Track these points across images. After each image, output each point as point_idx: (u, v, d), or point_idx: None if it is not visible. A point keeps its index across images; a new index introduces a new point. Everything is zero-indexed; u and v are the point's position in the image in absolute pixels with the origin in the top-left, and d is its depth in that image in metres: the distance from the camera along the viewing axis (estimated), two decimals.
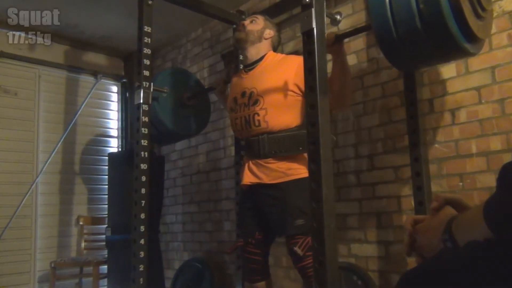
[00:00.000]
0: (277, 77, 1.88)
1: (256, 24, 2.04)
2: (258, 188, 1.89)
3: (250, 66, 2.02)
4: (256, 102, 1.89)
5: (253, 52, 2.01)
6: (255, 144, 1.89)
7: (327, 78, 1.56)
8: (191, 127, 2.74)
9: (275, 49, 2.08)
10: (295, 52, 2.76)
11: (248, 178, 1.90)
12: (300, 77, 1.60)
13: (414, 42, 1.50)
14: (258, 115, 1.87)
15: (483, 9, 1.50)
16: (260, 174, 1.87)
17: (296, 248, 1.72)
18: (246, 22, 2.06)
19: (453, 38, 1.43)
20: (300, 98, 1.83)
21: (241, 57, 2.26)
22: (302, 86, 1.67)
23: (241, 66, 2.16)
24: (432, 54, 1.59)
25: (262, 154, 1.86)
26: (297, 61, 1.84)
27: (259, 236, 1.92)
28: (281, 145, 1.83)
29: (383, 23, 1.53)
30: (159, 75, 2.68)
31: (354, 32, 2.02)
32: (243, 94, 1.96)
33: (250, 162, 1.92)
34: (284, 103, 1.85)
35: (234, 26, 2.87)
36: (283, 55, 2.03)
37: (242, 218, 2.07)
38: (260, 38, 2.02)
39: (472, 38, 1.49)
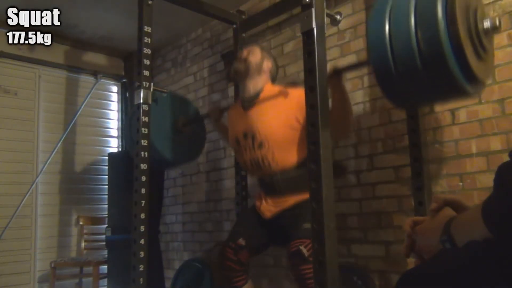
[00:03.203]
0: (277, 115, 1.89)
1: (254, 56, 2.03)
2: (276, 216, 1.95)
3: (249, 101, 2.01)
4: (261, 145, 1.91)
5: (251, 86, 2.01)
6: (270, 183, 1.95)
7: (327, 78, 1.56)
8: (185, 155, 2.71)
9: (273, 80, 2.09)
10: (295, 52, 2.76)
11: (269, 212, 1.96)
12: (301, 110, 1.61)
13: (414, 81, 1.46)
14: (267, 158, 1.91)
15: (484, 49, 1.46)
16: (280, 204, 1.94)
17: (302, 248, 1.71)
18: (244, 54, 2.06)
19: (454, 79, 1.39)
20: (302, 131, 1.83)
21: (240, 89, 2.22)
22: (303, 119, 1.71)
23: (239, 98, 2.14)
24: (431, 94, 1.55)
25: (278, 193, 1.92)
26: (296, 95, 1.84)
27: (242, 243, 1.95)
28: (296, 185, 1.88)
29: (382, 60, 1.48)
30: (155, 101, 2.62)
31: (353, 67, 2.03)
32: (245, 135, 1.97)
33: (268, 198, 1.97)
34: (289, 141, 1.88)
35: (234, 25, 2.87)
36: (281, 87, 2.01)
37: (236, 225, 2.16)
38: (259, 71, 2.01)
39: (473, 79, 1.44)
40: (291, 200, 1.91)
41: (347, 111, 1.85)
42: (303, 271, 1.70)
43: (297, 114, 1.83)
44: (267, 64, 2.06)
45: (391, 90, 1.58)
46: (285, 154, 1.89)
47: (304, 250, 1.71)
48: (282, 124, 1.88)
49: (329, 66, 1.69)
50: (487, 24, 1.44)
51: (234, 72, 2.09)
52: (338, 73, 1.77)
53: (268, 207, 1.97)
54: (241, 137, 2.00)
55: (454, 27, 1.35)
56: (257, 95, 2.00)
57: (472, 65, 1.40)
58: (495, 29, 1.45)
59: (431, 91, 1.51)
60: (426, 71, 1.42)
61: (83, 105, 3.86)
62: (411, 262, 1.95)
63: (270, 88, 2.02)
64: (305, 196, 1.79)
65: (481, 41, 1.44)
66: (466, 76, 1.42)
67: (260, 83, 2.02)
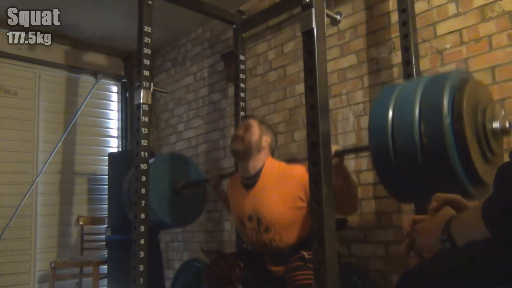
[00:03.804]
0: (281, 197, 1.83)
1: (252, 133, 1.95)
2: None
3: (250, 180, 1.95)
4: (267, 229, 1.87)
5: (251, 165, 1.93)
6: (279, 256, 1.88)
7: (326, 78, 1.56)
8: (182, 218, 2.69)
9: (273, 153, 2.03)
10: (295, 52, 2.76)
11: (279, 273, 1.88)
12: (304, 189, 1.57)
13: (414, 175, 1.39)
14: (274, 240, 1.87)
15: (493, 152, 1.38)
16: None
17: (303, 252, 1.71)
18: (241, 131, 1.98)
19: (457, 179, 1.31)
20: (306, 208, 1.80)
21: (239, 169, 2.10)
22: (306, 196, 1.69)
23: (239, 175, 2.05)
24: (432, 191, 1.45)
25: (286, 262, 1.83)
26: (298, 174, 1.80)
27: (240, 264, 1.93)
28: (303, 247, 1.80)
29: (382, 149, 1.43)
30: (157, 160, 2.64)
31: (353, 150, 2.01)
32: (250, 218, 1.92)
33: (275, 265, 1.91)
34: (294, 221, 1.83)
35: (234, 25, 2.87)
36: (282, 165, 1.94)
37: (243, 251, 2.13)
38: (258, 149, 1.93)
39: (477, 181, 1.34)
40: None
41: (350, 191, 1.79)
42: (300, 277, 1.66)
43: (301, 193, 1.78)
44: (266, 140, 1.97)
45: (389, 181, 1.51)
46: (292, 233, 1.84)
47: (305, 254, 1.70)
48: (287, 206, 1.82)
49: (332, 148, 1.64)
50: (496, 125, 1.36)
51: (232, 153, 2.01)
52: (339, 154, 1.71)
53: (278, 269, 1.91)
54: (246, 220, 1.94)
55: (460, 124, 1.28)
56: (258, 173, 1.93)
57: (477, 167, 1.31)
58: (504, 131, 1.37)
59: (431, 188, 1.38)
60: (427, 166, 1.34)
61: (83, 105, 3.86)
62: (411, 262, 1.95)
63: (271, 165, 1.94)
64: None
65: (489, 142, 1.36)
66: (470, 177, 1.32)
67: (260, 161, 1.94)
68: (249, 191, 1.93)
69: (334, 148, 1.68)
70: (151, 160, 2.39)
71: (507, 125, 1.36)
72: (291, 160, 2.10)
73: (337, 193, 1.68)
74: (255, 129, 1.96)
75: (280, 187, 1.85)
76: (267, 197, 1.87)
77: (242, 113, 2.75)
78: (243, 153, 1.93)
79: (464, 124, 1.28)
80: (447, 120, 1.29)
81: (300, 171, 1.80)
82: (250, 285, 2.04)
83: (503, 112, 1.50)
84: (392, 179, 1.49)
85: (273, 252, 1.91)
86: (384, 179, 1.53)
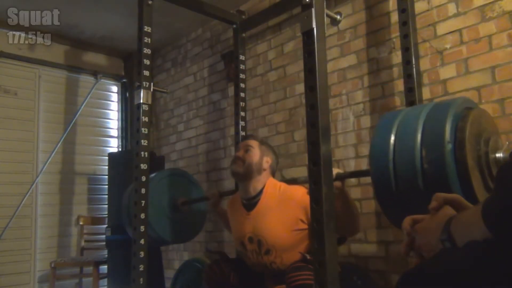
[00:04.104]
0: (282, 220, 1.82)
1: (253, 155, 1.93)
2: None
3: (251, 201, 1.93)
4: (268, 252, 1.86)
5: (252, 186, 1.92)
6: (278, 276, 1.86)
7: (326, 78, 1.56)
8: (182, 234, 2.68)
9: (274, 174, 2.01)
10: (295, 52, 2.76)
11: None
12: (305, 211, 1.56)
13: (415, 201, 1.36)
14: (275, 263, 1.87)
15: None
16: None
17: (305, 253, 1.71)
18: (241, 153, 1.96)
19: None
20: (307, 230, 1.79)
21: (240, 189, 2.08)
22: (307, 218, 1.68)
23: (240, 196, 2.03)
24: None
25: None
26: (299, 195, 1.79)
27: (237, 268, 1.93)
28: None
29: (383, 174, 1.42)
30: (157, 175, 2.63)
31: (355, 175, 1.99)
32: (250, 240, 1.91)
33: (274, 285, 1.90)
34: (295, 244, 1.82)
35: (234, 25, 2.87)
36: (283, 186, 1.92)
37: (244, 256, 2.09)
38: (259, 170, 1.92)
39: None
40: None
41: (351, 216, 1.77)
42: (300, 276, 1.66)
43: (301, 215, 1.77)
44: (267, 161, 1.95)
45: (389, 208, 1.50)
46: (293, 255, 1.82)
47: (307, 255, 1.70)
48: (288, 229, 1.81)
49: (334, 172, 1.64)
50: (499, 155, 1.35)
51: (232, 174, 1.99)
52: (340, 178, 1.70)
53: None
54: (247, 242, 1.93)
55: (462, 152, 1.27)
56: (258, 194, 1.92)
57: (478, 195, 1.29)
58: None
59: None
60: (428, 193, 1.29)
61: (83, 105, 3.86)
62: (411, 262, 1.95)
63: (271, 187, 1.92)
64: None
65: (492, 172, 1.34)
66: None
67: (261, 182, 1.92)
68: (250, 213, 1.92)
69: (335, 171, 1.67)
70: (151, 175, 2.38)
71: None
72: (291, 181, 2.09)
73: (338, 216, 1.66)
74: (256, 150, 1.95)
75: (281, 209, 1.83)
76: (268, 219, 1.85)
77: (242, 113, 2.74)
78: (244, 175, 1.91)
79: (466, 152, 1.27)
80: (448, 147, 1.29)
81: (300, 193, 1.79)
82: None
83: (507, 143, 1.50)
84: (392, 206, 1.47)
85: (273, 273, 1.90)
86: (384, 206, 1.52)
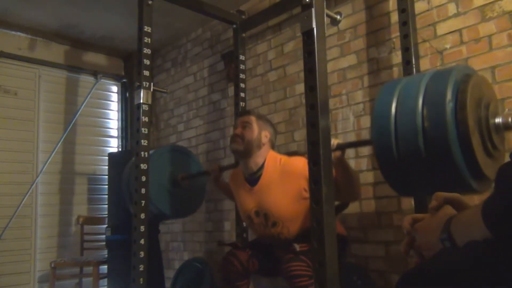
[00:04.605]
0: (285, 191, 1.85)
1: (251, 130, 1.95)
2: None
3: (253, 176, 1.96)
4: (274, 224, 1.90)
5: (253, 162, 1.94)
6: (284, 245, 1.90)
7: (327, 78, 1.56)
8: (182, 208, 2.70)
9: (273, 146, 2.03)
10: (295, 52, 2.76)
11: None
12: (307, 179, 1.58)
13: (415, 164, 1.39)
14: (282, 233, 1.90)
15: (495, 147, 1.38)
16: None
17: (294, 244, 1.74)
18: (240, 130, 1.97)
19: (457, 168, 1.31)
20: None
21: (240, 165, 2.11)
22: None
23: (241, 171, 2.06)
24: (432, 182, 1.44)
25: (294, 249, 1.87)
26: (300, 166, 1.80)
27: (258, 253, 1.95)
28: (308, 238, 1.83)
29: (384, 138, 1.44)
30: (157, 152, 2.65)
31: (355, 144, 2.02)
32: (257, 213, 1.94)
33: (283, 252, 1.92)
34: (300, 213, 1.85)
35: (234, 25, 2.87)
36: (284, 158, 1.94)
37: (257, 240, 2.13)
38: (259, 146, 1.94)
39: (478, 174, 1.34)
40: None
41: (352, 182, 1.80)
42: (292, 267, 1.69)
43: (304, 185, 1.78)
44: (266, 135, 1.97)
45: (391, 174, 1.51)
46: (299, 225, 1.87)
47: (297, 246, 1.72)
48: (292, 200, 1.84)
49: (331, 141, 1.64)
50: (499, 120, 1.37)
51: (233, 152, 2.02)
52: (340, 148, 1.72)
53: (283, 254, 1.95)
54: (253, 215, 1.96)
55: (463, 114, 1.29)
56: (260, 169, 1.94)
57: (479, 159, 1.31)
58: (507, 127, 1.37)
59: (432, 179, 1.42)
60: (428, 154, 1.35)
61: (83, 105, 3.86)
62: (411, 261, 1.95)
63: (272, 160, 1.94)
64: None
65: (491, 136, 1.36)
66: (470, 168, 1.33)
67: (262, 157, 1.94)
68: (254, 187, 1.95)
69: (335, 141, 1.70)
70: (151, 152, 2.41)
71: (510, 120, 1.37)
72: (292, 153, 2.11)
73: (339, 185, 1.72)
74: (254, 125, 1.97)
75: (284, 181, 1.86)
76: (272, 192, 1.88)
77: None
78: (244, 152, 1.94)
79: (467, 113, 1.28)
80: (450, 106, 1.31)
81: (302, 163, 1.80)
82: (266, 274, 2.08)
83: (506, 109, 1.51)
84: (394, 171, 1.49)
85: (281, 243, 1.94)
86: (386, 172, 1.53)
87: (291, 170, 1.86)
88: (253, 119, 2.00)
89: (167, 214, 2.61)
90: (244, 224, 2.64)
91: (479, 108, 1.35)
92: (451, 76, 1.36)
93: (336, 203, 1.73)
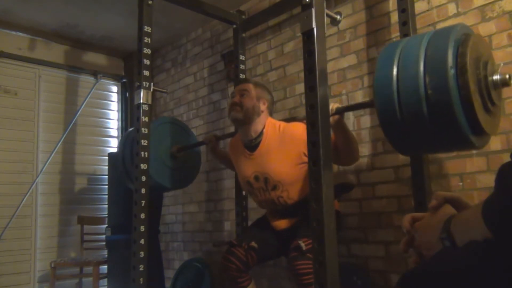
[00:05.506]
0: (285, 156, 1.88)
1: (249, 98, 1.97)
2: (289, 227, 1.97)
3: (252, 143, 1.98)
4: (275, 187, 1.92)
5: (253, 129, 1.97)
6: (285, 211, 1.95)
7: (327, 78, 1.56)
8: (178, 180, 2.71)
9: (271, 113, 2.06)
10: (295, 52, 2.76)
11: (282, 226, 1.96)
12: (306, 144, 1.59)
13: (419, 127, 1.43)
14: (282, 197, 1.93)
15: (493, 103, 1.43)
16: (292, 220, 1.95)
17: (300, 242, 1.73)
18: (238, 98, 1.99)
19: (460, 129, 1.36)
20: None
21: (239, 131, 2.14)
22: None
23: (240, 138, 2.09)
24: (435, 142, 1.50)
25: (293, 216, 1.93)
26: (300, 131, 1.82)
27: (255, 245, 1.95)
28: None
29: (387, 103, 1.46)
30: (153, 124, 2.62)
31: (355, 107, 2.03)
32: (256, 178, 1.97)
33: (281, 218, 1.97)
34: (300, 177, 1.89)
35: (234, 25, 2.87)
36: (283, 124, 1.97)
37: (250, 228, 2.16)
38: (258, 113, 1.96)
39: (479, 131, 1.41)
40: (303, 214, 1.92)
41: (351, 145, 1.82)
42: (298, 266, 1.70)
43: (303, 149, 1.79)
44: (264, 102, 1.99)
45: (394, 135, 1.54)
46: (298, 190, 1.90)
47: (303, 245, 1.72)
48: (292, 163, 1.87)
49: (331, 105, 1.67)
50: (496, 78, 1.42)
51: (232, 121, 2.04)
52: (340, 111, 1.74)
53: (281, 223, 1.98)
54: (253, 180, 1.98)
55: (464, 78, 1.32)
56: (259, 135, 1.97)
57: (480, 118, 1.36)
58: (504, 83, 1.42)
59: (435, 140, 1.46)
60: (431, 118, 1.39)
61: (83, 105, 3.87)
62: (411, 261, 1.95)
63: (271, 126, 1.97)
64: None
65: (490, 94, 1.41)
66: (472, 127, 1.38)
67: (261, 124, 1.97)
68: (253, 153, 1.98)
69: (334, 105, 1.72)
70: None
71: (507, 76, 1.42)
72: (291, 119, 2.11)
73: (338, 148, 1.76)
74: (252, 93, 1.99)
75: (283, 146, 1.89)
76: (272, 156, 1.91)
77: None
78: (243, 120, 1.96)
79: (468, 76, 1.32)
80: (451, 72, 1.34)
81: (301, 128, 1.81)
82: (265, 261, 2.10)
83: (502, 65, 1.57)
84: (397, 133, 1.52)
85: (280, 208, 1.97)
86: (389, 133, 1.56)
87: (290, 135, 1.89)
88: (251, 86, 2.02)
89: (165, 186, 2.61)
90: (244, 192, 2.67)
91: (478, 68, 1.39)
92: (450, 39, 1.39)
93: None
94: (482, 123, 1.38)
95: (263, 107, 1.98)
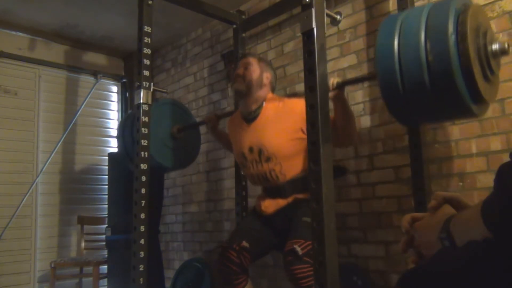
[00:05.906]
0: (282, 128, 1.89)
1: (253, 71, 1.99)
2: (278, 211, 1.97)
3: (251, 115, 2.00)
4: (268, 159, 1.92)
5: (253, 101, 1.99)
6: (276, 190, 1.96)
7: (327, 78, 1.56)
8: (179, 160, 2.73)
9: (273, 89, 2.08)
10: (295, 52, 2.76)
11: (271, 208, 1.97)
12: (305, 121, 1.60)
13: (420, 97, 1.45)
14: (274, 171, 1.92)
15: (492, 72, 1.46)
16: (282, 202, 1.96)
17: (296, 246, 1.71)
18: (241, 70, 2.01)
19: (460, 97, 1.39)
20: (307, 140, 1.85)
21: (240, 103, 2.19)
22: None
23: (239, 111, 2.12)
24: (436, 111, 1.53)
25: (283, 196, 1.94)
26: (299, 106, 1.81)
27: (246, 245, 1.93)
28: (302, 187, 1.88)
29: (389, 73, 1.48)
30: (153, 105, 2.62)
31: (356, 80, 2.04)
32: (251, 149, 1.97)
33: (271, 199, 1.97)
34: (295, 152, 1.89)
35: (234, 25, 2.87)
36: (282, 99, 2.00)
37: (239, 227, 2.15)
38: (260, 85, 1.99)
39: (479, 99, 1.43)
40: (293, 197, 1.93)
41: (350, 122, 1.84)
42: (296, 271, 1.68)
43: (301, 125, 1.80)
44: (267, 76, 2.02)
45: (396, 106, 1.56)
46: (292, 166, 1.90)
47: (299, 249, 1.70)
48: (288, 137, 1.88)
49: (331, 80, 1.68)
50: (496, 46, 1.44)
51: (235, 92, 2.07)
52: (340, 86, 1.75)
53: (270, 204, 1.98)
54: (247, 152, 1.99)
55: (464, 45, 1.34)
56: (259, 108, 1.99)
57: (479, 86, 1.38)
58: (503, 52, 1.44)
59: (436, 109, 1.49)
60: (432, 86, 1.41)
61: (83, 105, 3.87)
62: (410, 261, 1.95)
63: (272, 100, 2.00)
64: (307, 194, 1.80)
65: (489, 63, 1.43)
66: (472, 95, 1.40)
67: (261, 97, 2.00)
68: (250, 124, 1.99)
69: (334, 80, 1.72)
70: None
71: (506, 45, 1.44)
72: (292, 94, 2.12)
73: (337, 125, 1.77)
74: (255, 66, 2.01)
75: (282, 119, 1.90)
76: (269, 128, 1.92)
77: None
78: (245, 92, 1.98)
79: (468, 44, 1.34)
80: (452, 38, 1.36)
81: (302, 104, 1.79)
82: (259, 258, 2.09)
83: (501, 35, 1.62)
84: (399, 104, 1.53)
85: (271, 185, 1.96)
86: (392, 107, 1.57)
87: (290, 109, 1.90)
88: (254, 60, 2.05)
89: (166, 166, 2.63)
90: (244, 192, 2.69)
91: (477, 37, 1.41)
92: (450, 8, 1.41)
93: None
94: (481, 91, 1.40)
95: (266, 80, 2.01)
